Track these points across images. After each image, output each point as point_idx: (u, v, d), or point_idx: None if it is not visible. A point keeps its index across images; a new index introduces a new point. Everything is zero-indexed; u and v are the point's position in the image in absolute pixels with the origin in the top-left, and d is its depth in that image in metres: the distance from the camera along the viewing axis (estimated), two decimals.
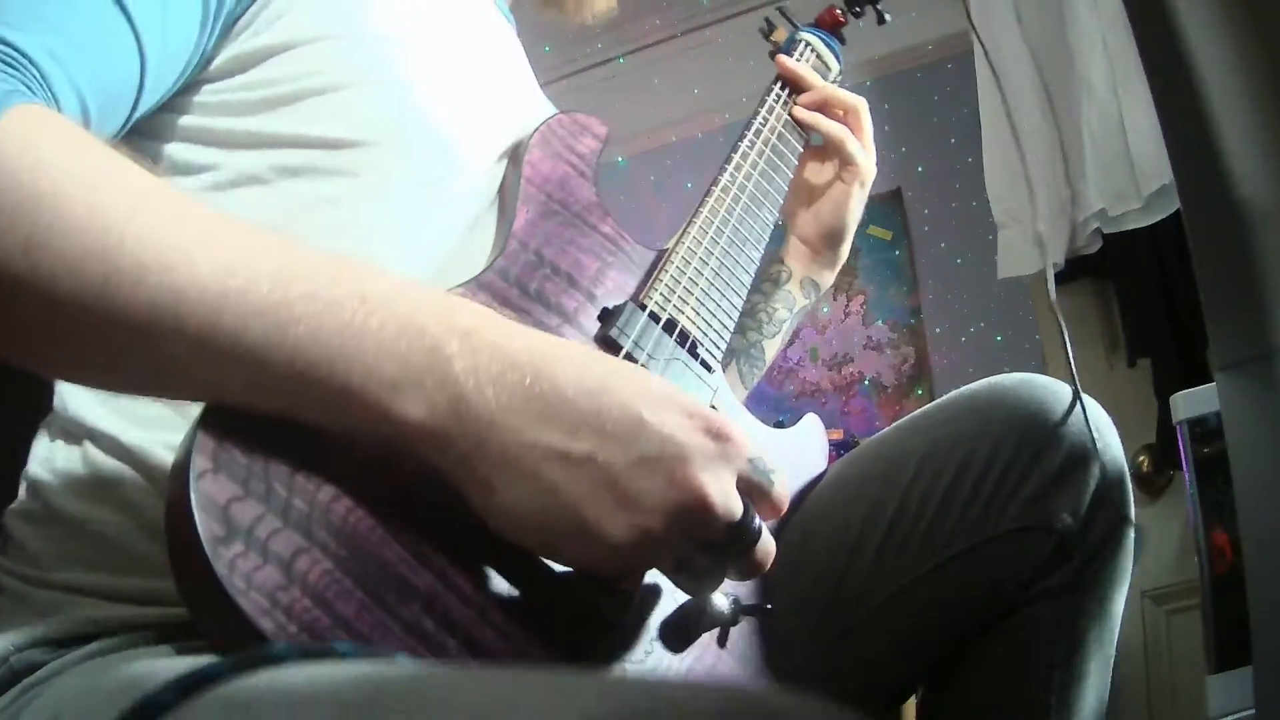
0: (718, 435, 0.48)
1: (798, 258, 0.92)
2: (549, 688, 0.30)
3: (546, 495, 0.45)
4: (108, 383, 0.48)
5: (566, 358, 0.47)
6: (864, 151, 0.90)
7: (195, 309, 0.43)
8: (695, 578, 0.51)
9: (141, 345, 0.43)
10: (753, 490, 0.50)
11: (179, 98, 0.62)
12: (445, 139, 0.67)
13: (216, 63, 0.61)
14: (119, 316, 0.42)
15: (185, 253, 0.43)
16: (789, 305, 0.91)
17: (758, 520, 0.50)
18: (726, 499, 0.47)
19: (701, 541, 0.48)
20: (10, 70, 0.47)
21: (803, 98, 0.92)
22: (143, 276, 0.42)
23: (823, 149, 0.92)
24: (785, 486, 0.52)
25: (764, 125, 0.88)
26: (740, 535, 0.48)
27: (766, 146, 0.86)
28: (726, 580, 0.53)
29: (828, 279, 0.93)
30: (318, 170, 0.62)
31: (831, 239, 0.91)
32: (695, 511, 0.46)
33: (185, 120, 0.62)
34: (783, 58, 0.94)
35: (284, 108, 0.62)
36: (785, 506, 0.52)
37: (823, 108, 0.91)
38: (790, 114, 0.91)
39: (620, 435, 0.46)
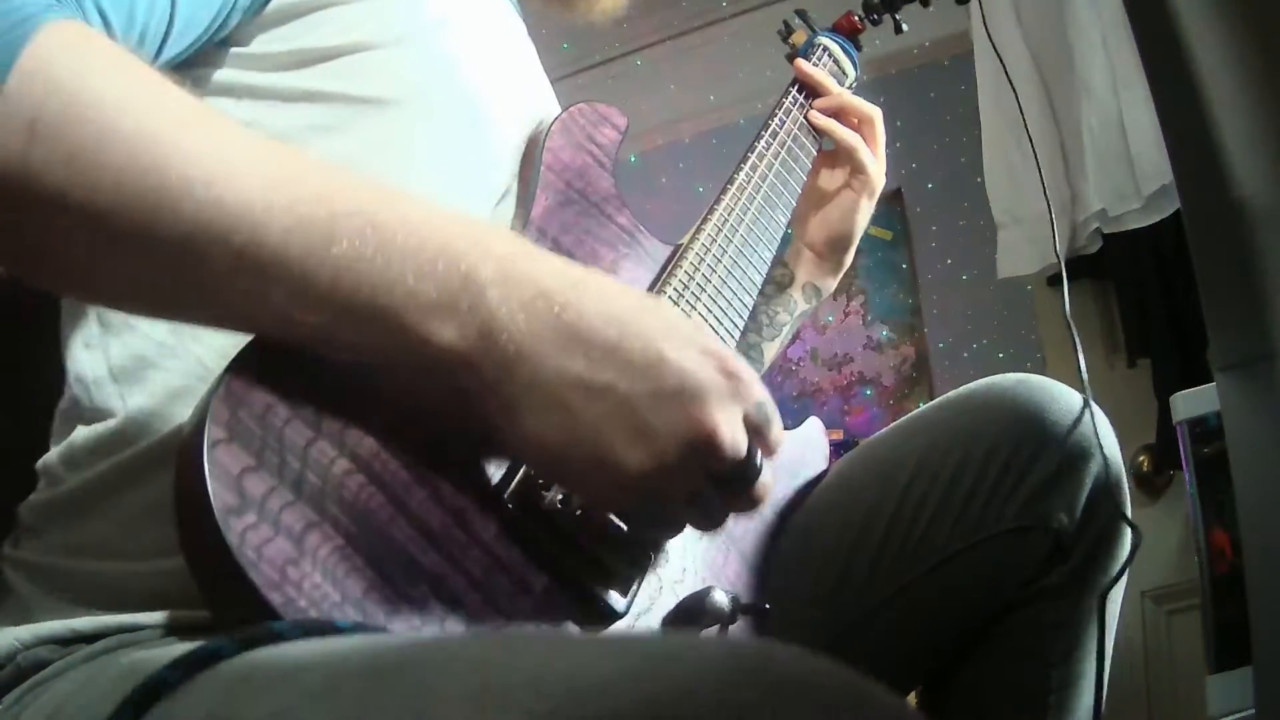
0: (731, 374, 0.49)
1: (802, 262, 0.92)
2: (549, 646, 0.30)
3: (567, 422, 0.47)
4: (149, 299, 0.47)
5: (597, 290, 0.49)
6: (875, 161, 0.90)
7: (240, 224, 0.43)
8: (704, 511, 0.52)
9: (185, 258, 0.43)
10: (756, 429, 0.51)
11: (217, 50, 0.61)
12: (478, 108, 0.67)
13: (261, 16, 0.62)
14: (164, 231, 0.42)
15: (230, 168, 0.43)
16: (790, 309, 0.91)
17: (760, 458, 0.51)
18: (735, 436, 0.49)
19: (709, 475, 0.49)
20: None
21: (819, 103, 0.92)
22: (189, 190, 0.42)
23: (834, 155, 0.92)
24: (781, 430, 0.53)
25: (780, 127, 0.88)
26: (745, 470, 0.50)
27: (782, 148, 0.87)
28: (724, 573, 0.53)
29: (830, 285, 0.93)
30: (347, 129, 0.62)
31: (837, 245, 0.91)
32: (706, 445, 0.48)
33: (221, 74, 0.62)
34: (800, 62, 0.95)
35: (318, 65, 0.62)
36: (779, 447, 0.53)
37: (838, 114, 0.92)
38: (806, 118, 0.91)
39: (641, 369, 0.47)
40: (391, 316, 0.45)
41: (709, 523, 0.53)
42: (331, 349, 0.46)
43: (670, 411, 0.47)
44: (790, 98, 0.92)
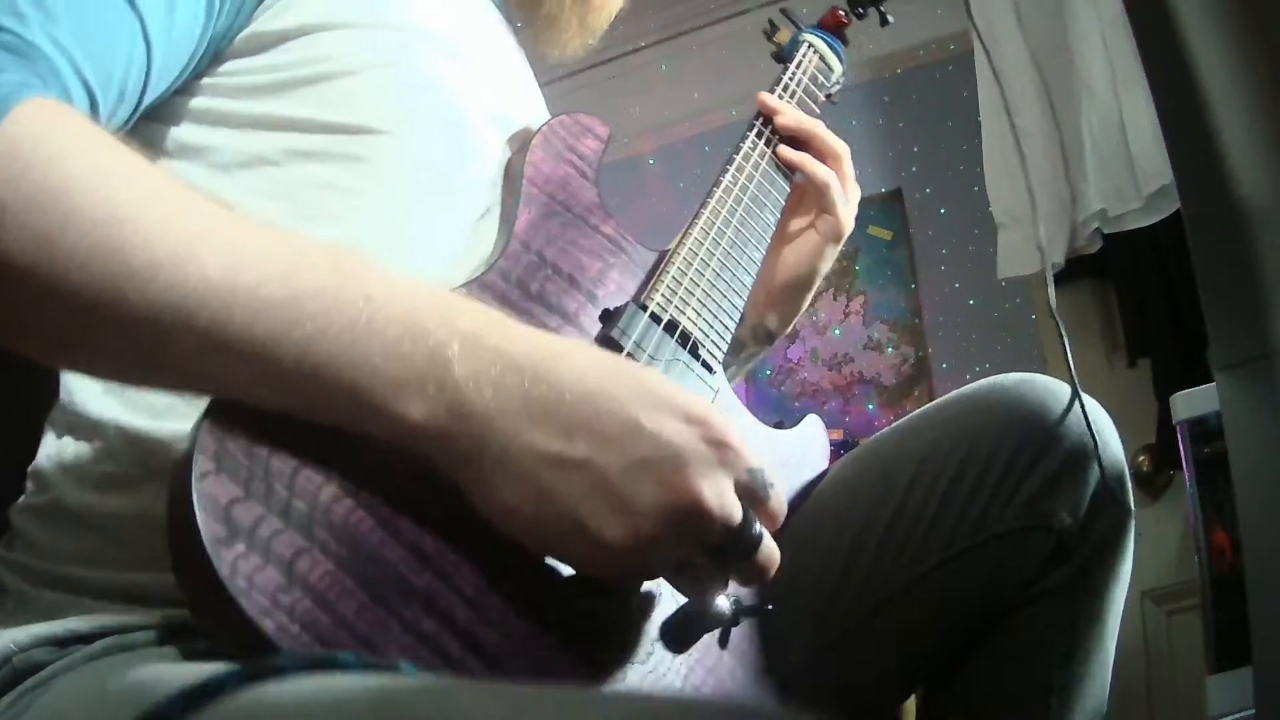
0: (717, 443, 0.48)
1: (754, 302, 0.84)
2: (564, 706, 0.30)
3: (543, 497, 0.46)
4: (118, 375, 0.48)
5: (568, 361, 0.48)
6: (845, 203, 0.85)
7: (204, 305, 0.43)
8: (695, 583, 0.51)
9: (151, 340, 0.44)
10: (751, 497, 0.50)
11: (190, 80, 0.62)
12: (459, 130, 0.67)
13: (232, 44, 0.62)
14: (129, 312, 0.43)
15: (195, 249, 0.44)
16: (735, 350, 0.86)
17: (758, 526, 0.50)
18: (723, 503, 0.48)
19: (700, 545, 0.48)
20: (22, 61, 0.47)
21: (781, 120, 0.85)
22: (154, 273, 0.43)
23: (801, 193, 0.86)
24: (782, 499, 0.52)
25: (760, 138, 0.85)
26: (739, 540, 0.49)
27: (770, 147, 0.85)
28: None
29: (781, 330, 0.87)
30: (328, 155, 0.62)
31: (794, 289, 0.86)
32: (690, 515, 0.47)
33: (195, 102, 0.62)
34: (763, 95, 0.88)
35: (298, 90, 0.62)
36: (782, 518, 0.52)
37: (808, 144, 0.85)
38: (775, 153, 0.85)
39: (616, 439, 0.47)
40: (360, 395, 0.45)
41: (700, 593, 0.53)
42: (310, 419, 0.46)
43: (648, 482, 0.46)
44: (755, 130, 0.86)
